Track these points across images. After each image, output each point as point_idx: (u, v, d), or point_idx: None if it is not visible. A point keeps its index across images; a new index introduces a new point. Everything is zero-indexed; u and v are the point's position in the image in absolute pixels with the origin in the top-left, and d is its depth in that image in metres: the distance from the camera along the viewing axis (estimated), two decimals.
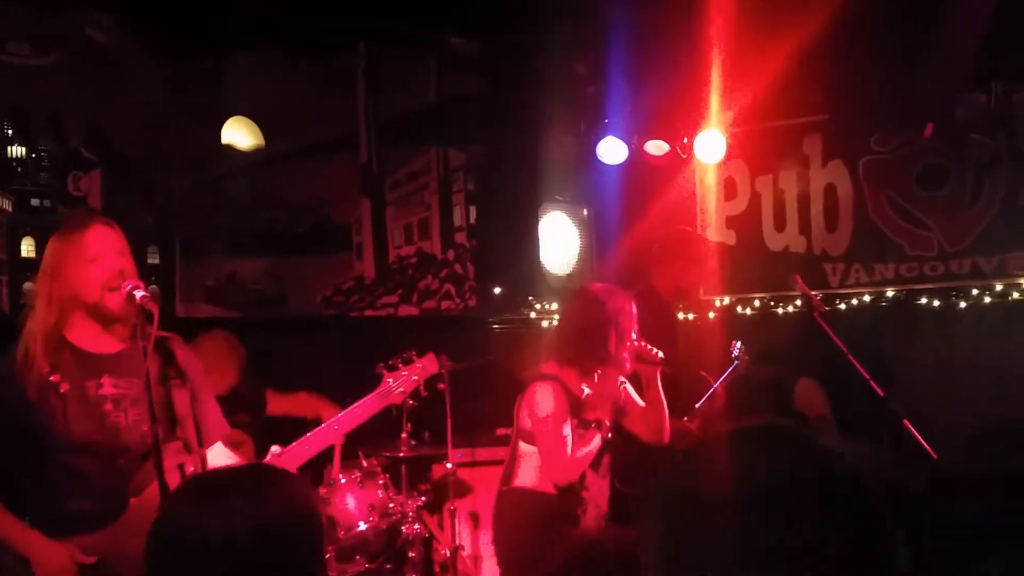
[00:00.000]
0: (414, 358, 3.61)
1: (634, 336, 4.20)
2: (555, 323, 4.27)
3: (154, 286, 4.95)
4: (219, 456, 3.28)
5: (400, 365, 3.57)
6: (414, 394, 3.63)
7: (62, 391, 3.02)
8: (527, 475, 4.13)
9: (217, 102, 6.01)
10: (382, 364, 3.54)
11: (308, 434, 3.37)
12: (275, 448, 3.34)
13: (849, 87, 6.38)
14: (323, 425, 3.43)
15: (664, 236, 5.49)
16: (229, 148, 6.01)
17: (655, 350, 4.25)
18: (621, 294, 4.27)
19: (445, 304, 6.99)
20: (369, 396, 3.49)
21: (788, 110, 6.88)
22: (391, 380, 3.54)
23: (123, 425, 3.06)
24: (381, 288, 6.76)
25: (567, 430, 4.04)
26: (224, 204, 6.16)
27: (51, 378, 3.02)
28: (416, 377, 3.57)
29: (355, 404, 3.44)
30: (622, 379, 4.27)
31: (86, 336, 3.12)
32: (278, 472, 1.93)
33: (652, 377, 4.29)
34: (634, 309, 4.22)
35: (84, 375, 3.08)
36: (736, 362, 5.27)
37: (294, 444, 3.34)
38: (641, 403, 4.35)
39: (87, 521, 3.00)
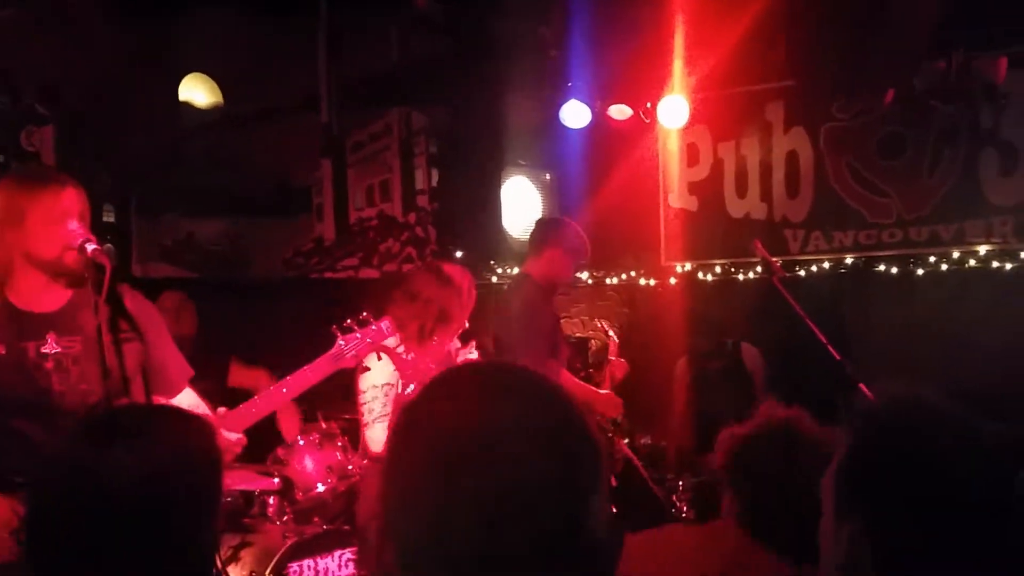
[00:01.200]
0: (370, 320, 3.54)
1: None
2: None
3: (109, 244, 4.86)
4: (190, 400, 3.22)
5: (355, 327, 3.51)
6: (368, 360, 3.57)
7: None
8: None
9: (174, 61, 5.91)
10: (335, 326, 3.48)
11: (255, 396, 3.31)
12: (221, 409, 3.28)
13: (811, 53, 6.37)
14: (271, 387, 3.36)
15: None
16: (187, 107, 5.92)
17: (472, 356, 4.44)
18: (466, 278, 4.46)
19: (406, 267, 6.96)
20: (320, 358, 3.42)
21: (751, 76, 6.88)
22: (343, 343, 3.48)
23: (62, 386, 2.98)
24: (341, 250, 6.72)
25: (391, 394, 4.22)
26: (182, 164, 6.07)
27: None
28: (371, 340, 3.51)
29: (305, 366, 3.38)
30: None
31: (28, 293, 3.03)
32: (176, 413, 1.85)
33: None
34: (472, 298, 4.44)
35: (23, 336, 2.99)
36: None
37: (241, 406, 3.28)
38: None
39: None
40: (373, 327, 3.52)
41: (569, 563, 1.09)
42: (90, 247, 2.87)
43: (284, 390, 3.33)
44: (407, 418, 1.20)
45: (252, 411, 3.28)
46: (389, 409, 4.21)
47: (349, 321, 3.47)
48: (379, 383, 4.21)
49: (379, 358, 4.15)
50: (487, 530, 1.07)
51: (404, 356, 4.26)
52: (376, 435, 4.22)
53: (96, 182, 3.15)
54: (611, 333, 5.84)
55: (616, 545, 1.22)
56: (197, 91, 5.91)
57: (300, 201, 6.60)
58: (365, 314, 3.54)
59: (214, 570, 1.77)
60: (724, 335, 6.35)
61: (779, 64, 6.67)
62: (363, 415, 4.24)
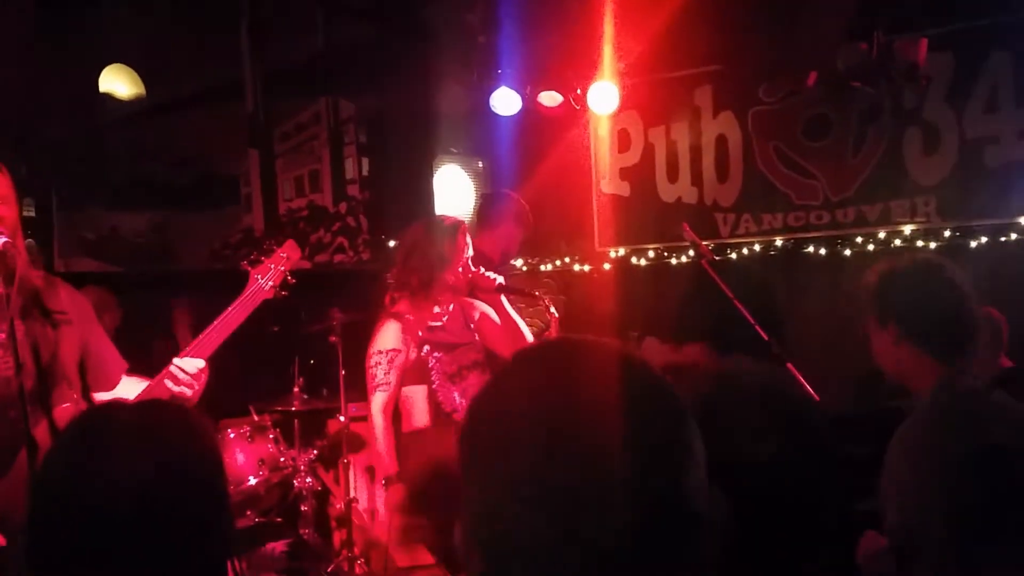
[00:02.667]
0: (275, 248, 3.51)
1: (466, 265, 4.40)
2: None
3: (30, 240, 4.76)
4: (130, 389, 3.16)
5: (263, 259, 3.47)
6: (283, 285, 3.49)
7: None
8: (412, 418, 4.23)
9: (93, 48, 5.78)
10: (245, 262, 3.44)
11: (187, 347, 3.23)
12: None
13: (736, 37, 6.44)
14: (200, 335, 3.28)
15: (491, 199, 5.69)
16: (107, 96, 5.81)
17: (492, 275, 4.43)
18: (450, 224, 4.48)
19: (338, 257, 6.90)
20: (241, 296, 3.37)
21: (679, 61, 6.94)
22: (259, 276, 3.43)
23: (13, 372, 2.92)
24: (271, 241, 6.62)
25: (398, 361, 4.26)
26: (103, 155, 5.95)
27: None
28: (283, 268, 3.47)
29: (228, 308, 3.31)
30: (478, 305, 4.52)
31: None
32: (174, 409, 1.77)
33: (497, 302, 4.48)
34: (466, 239, 4.42)
35: None
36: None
37: (170, 366, 3.20)
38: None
39: None
40: (281, 253, 3.49)
41: (670, 548, 1.03)
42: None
43: (213, 335, 3.25)
44: (482, 409, 1.12)
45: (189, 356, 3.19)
46: (391, 379, 4.23)
47: (255, 254, 3.44)
48: (384, 348, 4.26)
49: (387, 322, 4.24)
50: (578, 531, 0.99)
51: (410, 318, 4.30)
52: (375, 405, 4.23)
53: (15, 175, 3.07)
54: (552, 309, 5.79)
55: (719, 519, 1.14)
56: (118, 82, 5.79)
57: (227, 192, 6.50)
58: (268, 242, 3.51)
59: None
60: (658, 320, 6.39)
61: (706, 49, 6.73)
62: (368, 383, 4.27)
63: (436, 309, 4.39)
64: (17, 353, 2.69)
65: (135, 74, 5.86)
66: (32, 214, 5.54)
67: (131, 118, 6.00)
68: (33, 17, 5.40)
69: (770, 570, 1.42)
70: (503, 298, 4.47)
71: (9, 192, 3.00)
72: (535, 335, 6.40)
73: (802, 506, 1.45)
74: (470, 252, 4.42)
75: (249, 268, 3.45)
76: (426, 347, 4.31)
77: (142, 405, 1.83)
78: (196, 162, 6.36)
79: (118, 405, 1.78)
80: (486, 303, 4.53)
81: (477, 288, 4.43)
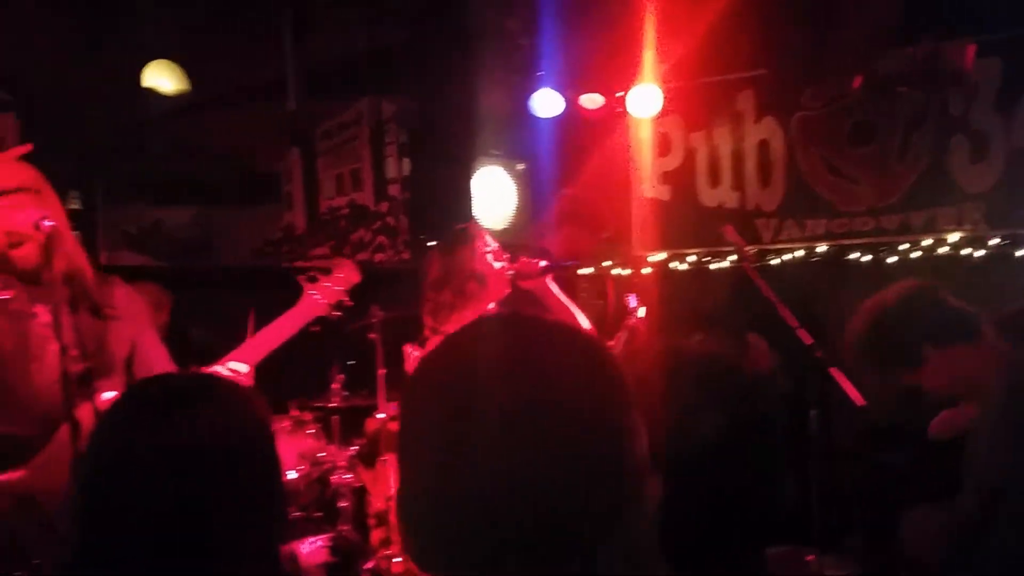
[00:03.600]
0: (333, 268, 3.53)
1: (498, 264, 4.26)
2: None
3: (76, 232, 4.80)
4: None
5: (320, 276, 3.48)
6: (338, 306, 3.50)
7: (11, 309, 2.97)
8: None
9: (137, 44, 5.83)
10: (302, 276, 3.45)
11: (230, 354, 3.25)
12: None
13: (779, 42, 6.39)
14: (246, 342, 3.30)
15: (560, 200, 5.62)
16: (151, 92, 5.86)
17: (535, 260, 4.34)
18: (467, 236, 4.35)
19: (378, 256, 6.91)
20: (293, 309, 3.39)
21: (721, 65, 6.89)
22: (314, 292, 3.45)
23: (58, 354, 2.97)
24: (312, 239, 6.67)
25: None
26: (148, 151, 6.01)
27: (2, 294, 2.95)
28: (339, 288, 3.49)
29: (279, 319, 3.34)
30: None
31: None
32: (227, 383, 1.74)
33: (544, 288, 4.37)
34: (483, 237, 4.29)
35: (30, 298, 3.01)
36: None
37: (215, 367, 3.22)
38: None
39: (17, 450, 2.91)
40: (340, 273, 3.50)
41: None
42: (46, 224, 2.86)
43: (261, 345, 3.27)
44: (415, 385, 1.07)
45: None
46: None
47: (313, 272, 3.46)
48: None
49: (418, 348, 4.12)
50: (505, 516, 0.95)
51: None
52: None
53: (61, 169, 3.11)
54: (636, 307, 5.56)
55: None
56: (162, 77, 5.83)
57: (268, 189, 6.55)
58: (326, 262, 3.54)
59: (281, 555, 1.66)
60: (698, 325, 6.34)
61: (749, 53, 6.68)
62: None
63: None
64: (61, 335, 2.73)
65: (179, 70, 5.91)
66: (77, 207, 5.60)
67: (174, 114, 6.05)
68: (78, 13, 5.46)
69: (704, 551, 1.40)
70: (550, 282, 4.38)
71: (41, 184, 3.04)
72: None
73: (734, 484, 1.42)
74: (493, 246, 4.30)
75: (305, 283, 3.47)
76: None
77: (197, 375, 1.82)
78: (238, 159, 6.41)
79: (173, 374, 1.77)
80: (535, 290, 4.40)
81: (521, 277, 4.32)
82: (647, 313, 4.86)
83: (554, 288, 4.41)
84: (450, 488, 0.96)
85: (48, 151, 3.23)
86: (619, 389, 1.04)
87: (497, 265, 4.23)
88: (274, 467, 1.61)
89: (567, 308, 4.39)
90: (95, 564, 1.49)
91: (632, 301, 4.95)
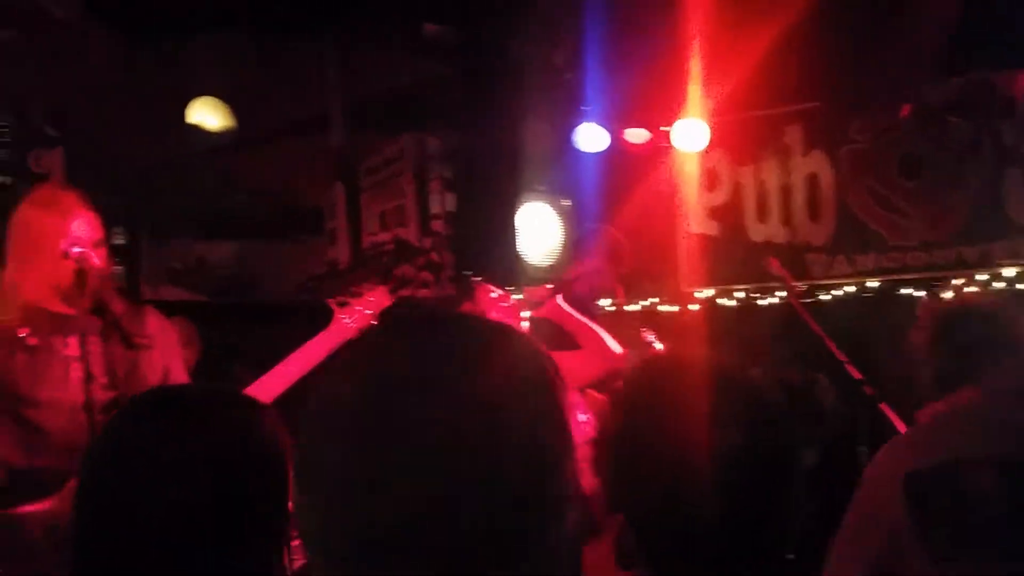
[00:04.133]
0: (364, 292, 3.52)
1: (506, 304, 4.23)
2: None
3: (118, 267, 4.86)
4: None
5: (351, 300, 3.47)
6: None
7: (30, 344, 2.96)
8: None
9: (182, 81, 5.92)
10: (332, 300, 3.45)
11: (260, 379, 3.23)
12: None
13: (827, 74, 6.32)
14: (276, 367, 3.28)
15: (584, 233, 5.60)
16: (197, 128, 5.92)
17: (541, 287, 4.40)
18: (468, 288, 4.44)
19: (422, 292, 6.87)
20: (322, 333, 3.38)
21: (768, 99, 6.81)
22: (344, 316, 3.44)
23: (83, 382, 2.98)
24: (355, 275, 6.67)
25: None
26: (192, 186, 6.07)
27: (19, 332, 2.96)
28: (369, 312, 3.48)
29: (308, 343, 3.32)
30: None
31: (52, 296, 3.03)
32: (240, 396, 1.69)
33: (559, 313, 4.35)
34: (488, 292, 4.30)
35: (52, 331, 3.02)
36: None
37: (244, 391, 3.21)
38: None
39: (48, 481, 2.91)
40: (370, 298, 3.49)
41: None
42: (75, 250, 2.88)
43: (290, 368, 3.26)
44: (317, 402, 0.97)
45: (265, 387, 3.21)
46: None
47: (343, 296, 3.45)
48: None
49: None
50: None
51: None
52: None
53: (106, 204, 3.14)
54: (653, 340, 5.60)
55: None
56: (207, 114, 5.90)
57: (311, 225, 6.58)
58: (356, 287, 3.53)
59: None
60: (747, 361, 6.25)
61: (796, 86, 6.61)
62: None
63: None
64: (88, 364, 2.73)
65: (224, 106, 5.97)
66: (122, 242, 5.66)
67: (219, 150, 6.12)
68: (124, 48, 5.55)
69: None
70: (564, 305, 4.33)
71: (87, 212, 3.07)
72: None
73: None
74: (496, 293, 4.27)
75: (335, 307, 3.48)
76: None
77: (210, 387, 1.77)
78: (282, 195, 6.45)
79: (185, 385, 1.72)
80: (551, 316, 4.37)
81: (532, 306, 4.32)
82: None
83: (570, 310, 4.35)
84: (357, 518, 0.88)
85: (93, 186, 3.26)
86: (549, 403, 0.94)
87: (505, 305, 4.17)
88: (283, 484, 1.53)
89: (590, 330, 4.31)
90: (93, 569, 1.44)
91: (649, 336, 4.91)
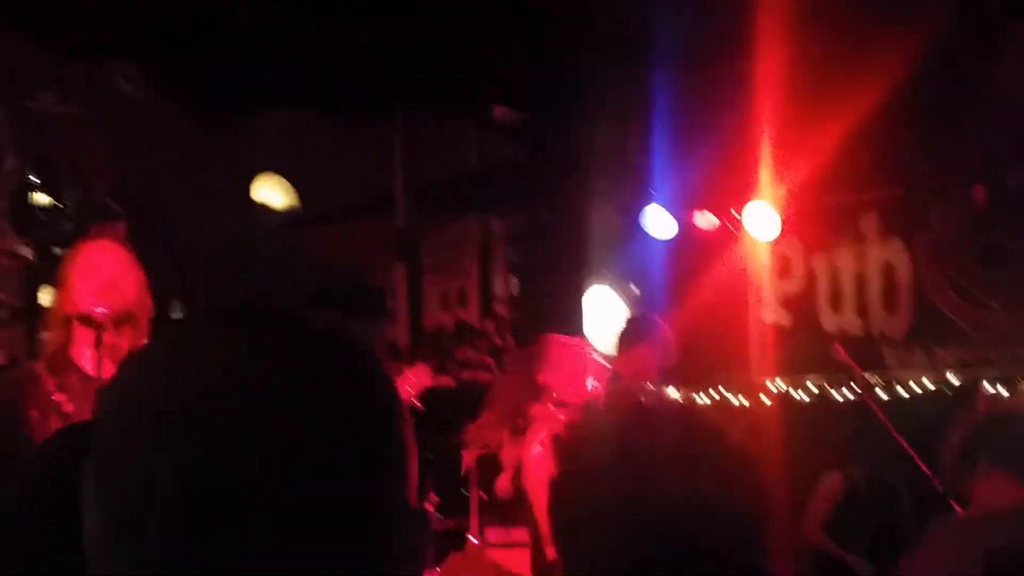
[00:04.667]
0: (404, 369, 3.45)
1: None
2: None
3: None
4: None
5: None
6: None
7: (65, 411, 2.93)
8: None
9: (247, 159, 5.99)
10: None
11: None
12: None
13: (903, 161, 6.17)
14: None
15: (632, 320, 5.62)
16: (260, 206, 5.97)
17: None
18: None
19: (484, 376, 6.80)
20: None
21: (843, 186, 6.66)
22: None
23: None
24: (415, 355, 6.62)
25: None
26: (252, 263, 6.10)
27: (54, 397, 2.93)
28: (409, 389, 3.40)
29: None
30: None
31: (90, 359, 3.01)
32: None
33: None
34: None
35: (88, 397, 2.98)
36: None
37: None
38: None
39: None
40: (410, 375, 3.43)
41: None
42: (98, 310, 2.85)
43: None
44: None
45: None
46: None
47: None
48: None
49: None
50: None
51: None
52: None
53: (166, 278, 3.14)
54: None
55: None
56: (272, 192, 5.96)
57: (373, 304, 6.56)
58: (400, 362, 3.50)
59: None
60: (823, 454, 6.16)
61: (872, 172, 6.46)
62: None
63: None
64: None
65: (288, 185, 6.02)
66: (179, 316, 5.68)
67: (281, 227, 6.16)
68: (191, 125, 5.65)
69: None
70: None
71: (126, 259, 3.05)
72: None
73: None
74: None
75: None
76: None
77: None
78: (344, 273, 6.45)
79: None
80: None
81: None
82: None
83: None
84: None
85: (154, 261, 3.25)
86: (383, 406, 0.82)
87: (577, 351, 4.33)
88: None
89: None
90: None
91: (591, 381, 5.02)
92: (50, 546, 1.20)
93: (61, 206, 5.09)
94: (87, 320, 2.96)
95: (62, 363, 3.00)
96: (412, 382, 3.47)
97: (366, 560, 0.78)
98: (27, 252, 5.15)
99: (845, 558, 5.76)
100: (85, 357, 3.02)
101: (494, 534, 5.41)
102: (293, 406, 0.76)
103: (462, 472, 4.95)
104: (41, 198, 5.08)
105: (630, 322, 5.48)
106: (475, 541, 5.07)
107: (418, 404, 3.41)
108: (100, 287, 2.93)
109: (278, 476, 0.74)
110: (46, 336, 3.04)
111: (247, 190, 5.96)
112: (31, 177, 5.03)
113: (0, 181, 5.12)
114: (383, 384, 0.83)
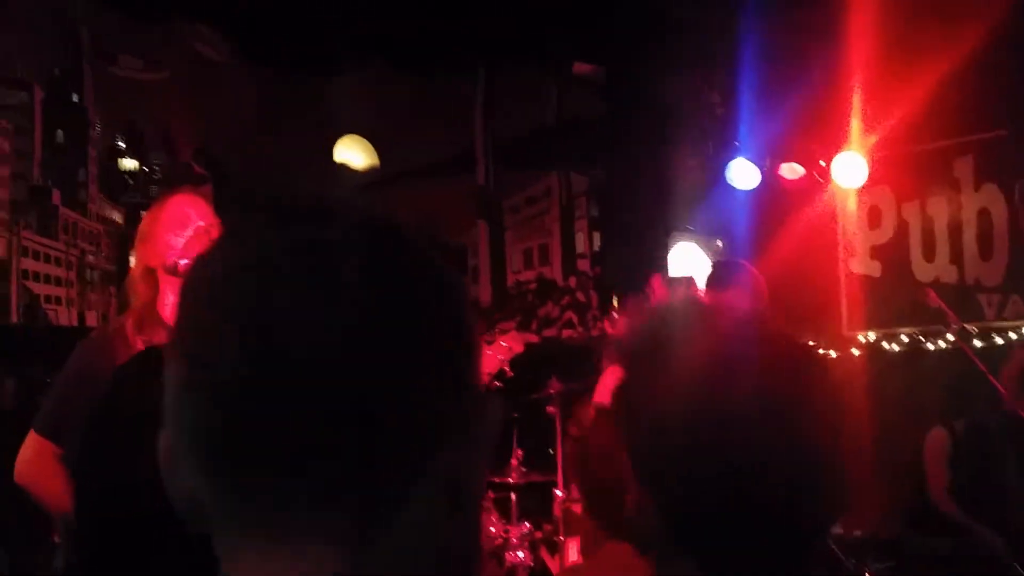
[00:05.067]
0: (497, 336, 3.46)
1: None
2: None
3: None
4: None
5: (484, 343, 3.40)
6: (499, 375, 3.41)
7: None
8: None
9: (327, 120, 6.01)
10: None
11: None
12: None
13: (1001, 104, 5.94)
14: None
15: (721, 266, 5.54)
16: (341, 167, 5.99)
17: None
18: None
19: (567, 332, 6.78)
20: None
21: (936, 132, 6.44)
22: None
23: None
24: (498, 313, 6.62)
25: None
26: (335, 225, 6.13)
27: (138, 343, 2.90)
28: (502, 357, 3.40)
29: None
30: None
31: (164, 303, 2.99)
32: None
33: None
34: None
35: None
36: None
37: None
38: None
39: None
40: (503, 343, 3.43)
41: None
42: (183, 262, 2.86)
43: None
44: None
45: None
46: None
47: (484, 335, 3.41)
48: None
49: None
50: None
51: None
52: None
53: None
54: None
55: None
56: (352, 152, 5.97)
57: (455, 263, 6.58)
58: (492, 329, 3.50)
59: None
60: (920, 408, 5.96)
61: (966, 117, 6.23)
62: None
63: None
64: None
65: (369, 145, 6.03)
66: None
67: (364, 188, 6.17)
68: (272, 88, 5.68)
69: None
70: None
71: (213, 225, 3.05)
72: None
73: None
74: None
75: None
76: None
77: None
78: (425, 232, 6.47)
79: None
80: None
81: None
82: None
83: None
84: None
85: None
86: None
87: None
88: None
89: None
90: None
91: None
92: (128, 453, 1.22)
93: (148, 170, 5.17)
94: (174, 271, 2.96)
95: (149, 317, 3.00)
96: (504, 349, 3.45)
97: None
98: (117, 216, 5.25)
99: (972, 528, 5.22)
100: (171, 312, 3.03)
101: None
102: (374, 286, 0.75)
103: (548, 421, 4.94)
104: (128, 163, 5.17)
105: (717, 267, 5.35)
106: (560, 495, 5.07)
107: (507, 370, 3.41)
108: (186, 239, 2.94)
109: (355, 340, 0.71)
110: (133, 291, 3.03)
111: (328, 150, 5.98)
112: (119, 143, 5.12)
113: (89, 147, 5.20)
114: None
